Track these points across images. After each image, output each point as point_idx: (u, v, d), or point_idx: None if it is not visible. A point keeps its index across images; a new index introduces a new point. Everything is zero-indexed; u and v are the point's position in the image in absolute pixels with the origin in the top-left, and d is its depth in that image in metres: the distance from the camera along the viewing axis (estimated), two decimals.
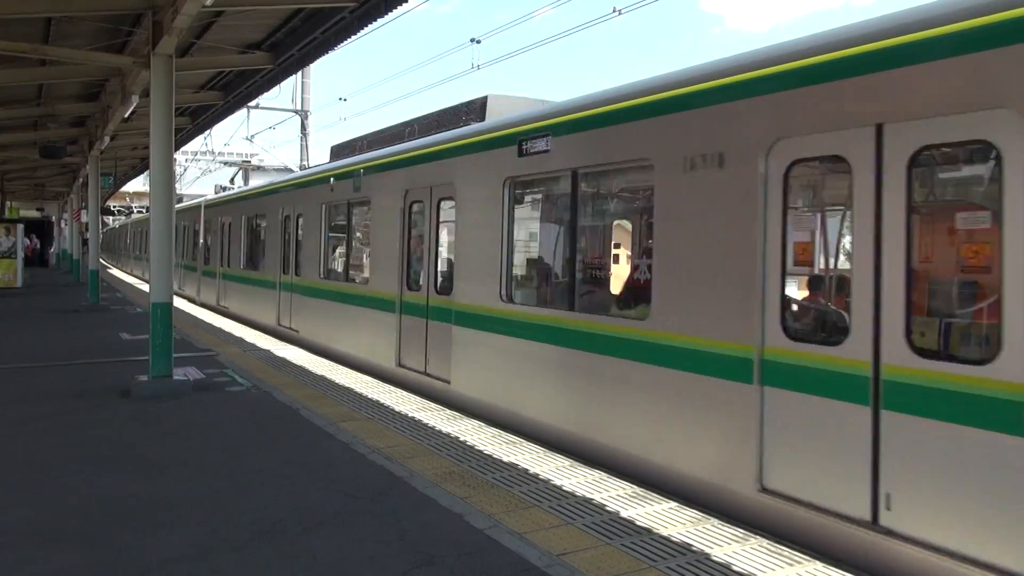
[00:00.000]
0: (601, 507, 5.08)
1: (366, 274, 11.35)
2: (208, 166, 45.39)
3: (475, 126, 8.79)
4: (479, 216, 8.27)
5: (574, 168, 6.97)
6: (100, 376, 9.53)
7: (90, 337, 13.37)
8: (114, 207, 59.55)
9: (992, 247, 4.08)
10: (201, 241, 21.31)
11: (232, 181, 35.12)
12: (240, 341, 13.10)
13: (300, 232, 13.62)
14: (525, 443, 6.71)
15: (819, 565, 4.24)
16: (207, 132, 27.27)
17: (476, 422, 7.47)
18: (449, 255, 9.33)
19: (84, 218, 27.85)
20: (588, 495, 5.32)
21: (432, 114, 10.83)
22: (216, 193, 25.91)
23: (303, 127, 31.96)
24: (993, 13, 3.98)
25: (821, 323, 5.34)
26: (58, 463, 5.95)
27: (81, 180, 27.11)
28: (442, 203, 9.18)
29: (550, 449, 6.58)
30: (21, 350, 11.67)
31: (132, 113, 13.87)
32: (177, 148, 17.42)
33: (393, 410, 7.86)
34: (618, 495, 5.34)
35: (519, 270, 8.35)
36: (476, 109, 9.72)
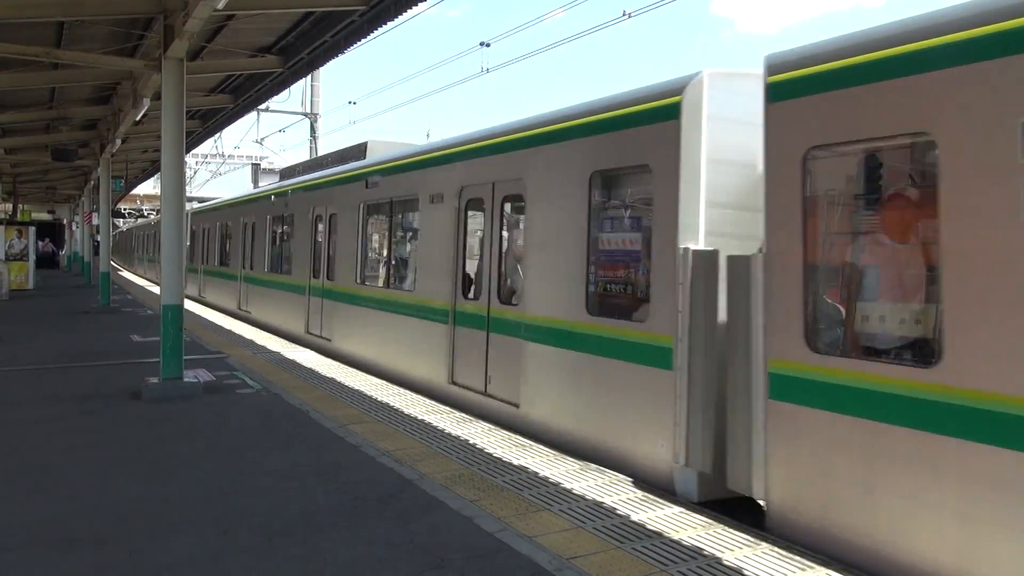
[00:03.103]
0: (611, 511, 5.07)
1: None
2: (218, 168, 45.66)
3: None
4: None
5: None
6: (111, 378, 9.57)
7: (101, 339, 13.44)
8: (125, 210, 59.88)
9: None
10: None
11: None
12: (250, 343, 13.15)
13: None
14: (534, 446, 6.70)
15: (830, 571, 4.22)
16: (217, 135, 27.40)
17: (486, 425, 7.46)
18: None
19: (95, 221, 28.01)
20: (598, 499, 5.30)
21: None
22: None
23: (312, 130, 32.08)
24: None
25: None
26: (69, 464, 5.99)
27: (92, 183, 27.27)
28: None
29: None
30: (32, 352, 11.74)
31: (143, 116, 13.96)
32: (188, 151, 17.51)
33: (403, 413, 7.87)
34: (628, 499, 5.33)
35: None
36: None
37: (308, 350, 12.50)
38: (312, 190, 14.07)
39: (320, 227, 13.45)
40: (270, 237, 16.58)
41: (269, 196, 16.67)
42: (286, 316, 14.78)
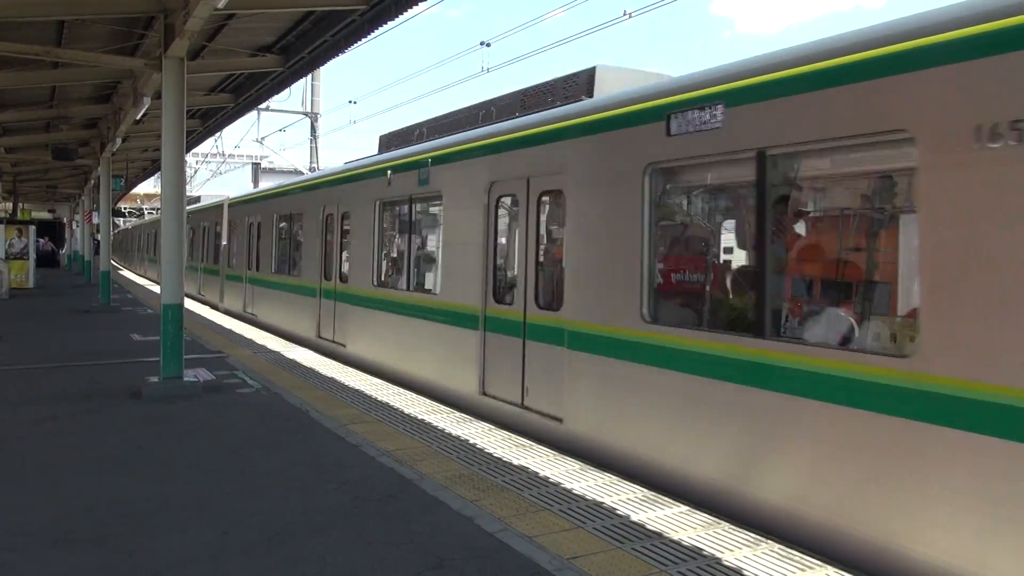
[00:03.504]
0: (611, 511, 5.07)
1: None
2: (218, 168, 45.65)
3: None
4: None
5: None
6: (111, 377, 9.57)
7: (101, 338, 13.44)
8: (125, 209, 59.88)
9: None
10: None
11: None
12: (250, 343, 13.14)
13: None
14: (534, 446, 6.70)
15: (830, 571, 4.21)
16: (218, 134, 27.40)
17: (486, 425, 7.46)
18: None
19: (96, 219, 28.01)
20: (598, 499, 5.30)
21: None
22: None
23: (313, 129, 32.14)
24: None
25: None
26: (70, 464, 5.98)
27: (92, 182, 27.26)
28: None
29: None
30: (33, 351, 11.73)
31: (143, 115, 13.96)
32: (188, 150, 17.51)
33: (403, 412, 7.87)
34: (628, 499, 5.33)
35: None
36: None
37: (309, 350, 12.42)
38: (494, 153, 8.45)
39: (502, 219, 8.53)
40: (378, 235, 11.34)
41: (381, 172, 11.18)
42: (439, 360, 9.41)
